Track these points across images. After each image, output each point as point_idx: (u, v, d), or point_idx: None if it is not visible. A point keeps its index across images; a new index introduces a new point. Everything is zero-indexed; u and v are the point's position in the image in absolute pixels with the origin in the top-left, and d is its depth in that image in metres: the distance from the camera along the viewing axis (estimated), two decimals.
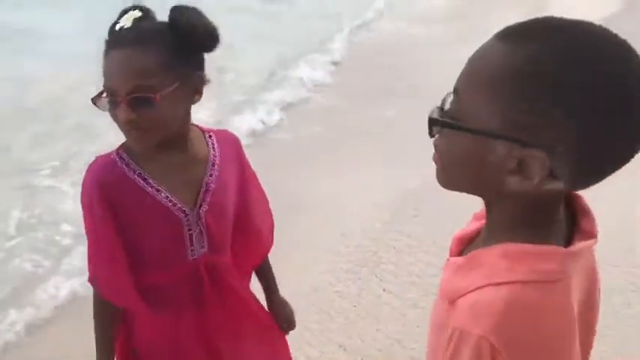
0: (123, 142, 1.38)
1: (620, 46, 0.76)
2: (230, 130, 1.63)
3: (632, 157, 0.78)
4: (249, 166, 1.57)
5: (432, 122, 0.83)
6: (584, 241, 0.83)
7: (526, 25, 0.78)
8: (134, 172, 1.37)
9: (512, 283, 0.79)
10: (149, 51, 1.26)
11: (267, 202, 1.64)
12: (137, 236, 1.39)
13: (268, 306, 1.68)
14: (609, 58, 0.74)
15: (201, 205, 1.42)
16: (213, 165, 1.44)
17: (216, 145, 1.46)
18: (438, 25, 7.06)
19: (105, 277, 1.43)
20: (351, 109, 5.04)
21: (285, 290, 2.99)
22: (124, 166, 1.37)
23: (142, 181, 1.37)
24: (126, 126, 1.28)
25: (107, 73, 1.28)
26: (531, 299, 0.79)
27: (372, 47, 6.53)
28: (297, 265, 3.19)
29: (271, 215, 1.65)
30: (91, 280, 1.46)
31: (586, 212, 0.87)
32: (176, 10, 1.30)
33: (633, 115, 0.74)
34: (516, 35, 0.78)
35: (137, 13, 1.29)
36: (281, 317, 1.70)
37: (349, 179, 3.95)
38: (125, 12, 1.31)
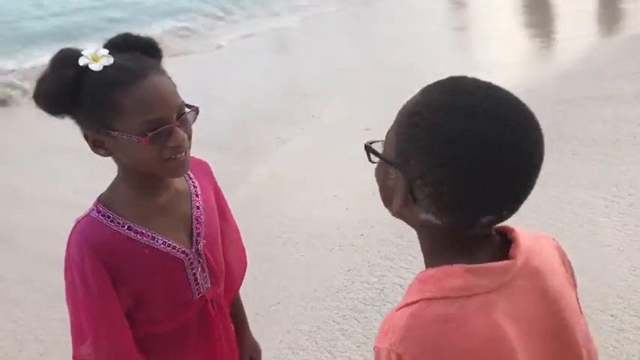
0: (102, 195, 1.31)
1: (506, 117, 0.86)
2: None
3: (504, 209, 0.90)
4: (222, 193, 1.52)
5: (365, 148, 0.96)
6: (495, 262, 0.91)
7: (441, 80, 0.91)
8: (123, 226, 1.28)
9: (418, 301, 0.89)
10: (161, 72, 1.25)
11: (238, 232, 1.57)
12: (141, 292, 1.31)
13: (238, 344, 1.58)
14: (485, 123, 0.83)
15: (198, 241, 1.36)
16: (196, 196, 1.39)
17: (192, 174, 1.41)
18: None
19: (107, 349, 1.29)
20: None
21: (287, 326, 2.95)
22: (110, 223, 1.28)
23: (133, 234, 1.29)
24: (179, 149, 1.23)
25: (151, 104, 1.19)
26: (436, 313, 0.87)
27: None
28: (300, 302, 3.13)
29: (243, 247, 1.58)
30: (83, 355, 1.31)
31: (514, 240, 0.96)
32: (121, 37, 1.27)
33: (487, 177, 0.84)
34: (428, 87, 0.91)
35: (105, 51, 1.23)
36: (247, 357, 1.62)
37: (355, 212, 3.89)
38: (77, 55, 1.21)
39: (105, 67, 1.20)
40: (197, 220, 1.37)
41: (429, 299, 0.88)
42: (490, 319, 0.88)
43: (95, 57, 1.20)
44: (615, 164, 4.10)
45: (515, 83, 5.83)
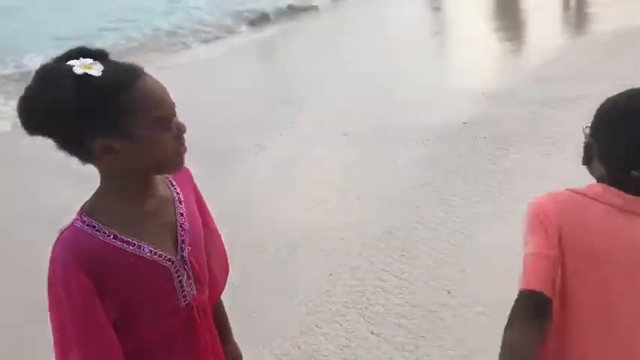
0: (85, 205, 1.29)
1: None
2: None
3: None
4: (203, 198, 1.52)
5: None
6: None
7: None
8: (108, 235, 1.27)
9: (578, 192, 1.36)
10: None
11: (220, 237, 1.56)
12: (127, 302, 1.30)
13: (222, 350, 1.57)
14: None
15: (183, 248, 1.36)
16: (180, 202, 1.39)
17: (174, 181, 1.41)
18: None
19: None
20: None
21: (270, 332, 2.96)
22: (95, 233, 1.26)
23: (120, 243, 1.28)
24: (182, 141, 1.27)
25: (159, 99, 1.23)
26: (583, 199, 1.35)
27: None
28: (282, 307, 3.14)
29: (225, 252, 1.58)
30: None
31: None
32: (81, 48, 1.24)
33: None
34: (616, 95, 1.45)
35: (89, 59, 1.21)
36: None
37: (335, 216, 3.92)
38: (67, 70, 1.19)
39: (103, 72, 1.19)
40: (181, 227, 1.37)
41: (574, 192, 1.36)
42: (620, 220, 1.28)
43: (87, 65, 1.19)
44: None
45: (489, 86, 5.97)
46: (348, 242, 3.64)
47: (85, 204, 1.31)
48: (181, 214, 1.38)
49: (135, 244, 1.29)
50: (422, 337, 2.80)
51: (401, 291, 3.14)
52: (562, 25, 8.63)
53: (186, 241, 1.37)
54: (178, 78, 7.53)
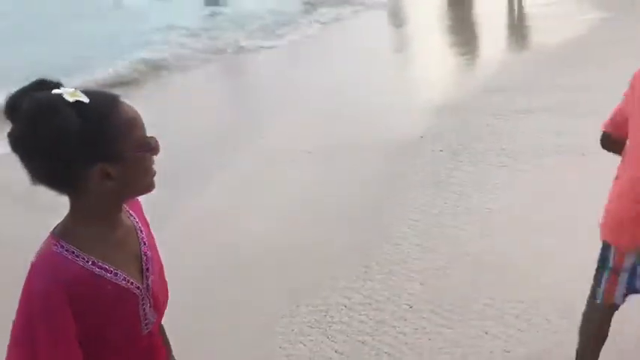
0: (58, 231, 1.27)
1: None
2: None
3: None
4: (148, 225, 1.52)
5: None
6: None
7: None
8: (87, 261, 1.25)
9: None
10: None
11: (162, 265, 1.54)
12: (99, 328, 1.28)
13: None
14: None
15: (147, 277, 1.37)
16: (140, 231, 1.40)
17: (131, 210, 1.41)
18: None
19: None
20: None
21: (234, 354, 2.92)
22: (75, 258, 1.25)
23: (98, 269, 1.27)
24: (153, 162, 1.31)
25: (138, 121, 1.26)
26: None
27: None
28: (245, 330, 3.10)
29: (165, 280, 1.55)
30: None
31: None
32: (43, 80, 1.24)
33: None
34: None
35: (70, 88, 1.22)
36: None
37: (297, 234, 3.91)
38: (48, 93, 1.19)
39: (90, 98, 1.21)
40: (145, 255, 1.38)
41: None
42: None
43: (73, 93, 1.20)
44: (540, 174, 4.29)
45: (444, 100, 6.08)
46: (311, 260, 3.62)
47: (56, 229, 1.28)
48: (144, 243, 1.39)
49: (112, 271, 1.29)
50: (385, 352, 2.81)
51: (364, 308, 3.14)
52: (511, 39, 8.86)
53: (150, 269, 1.38)
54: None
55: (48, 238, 1.27)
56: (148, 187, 1.31)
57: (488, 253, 3.45)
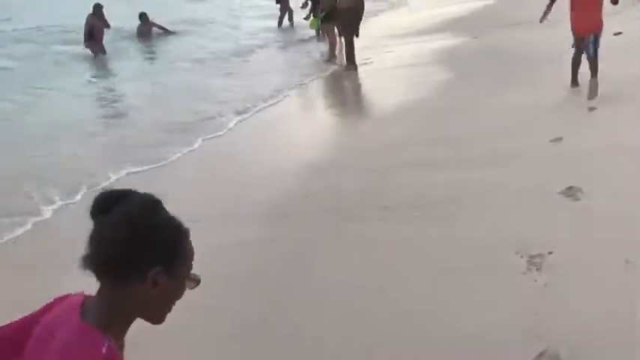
0: (99, 323, 1.30)
1: None
2: None
3: None
4: None
5: None
6: None
7: None
8: None
9: None
10: None
11: None
12: None
13: None
14: None
15: None
16: None
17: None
18: None
19: None
20: None
21: None
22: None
23: None
24: None
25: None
26: None
27: None
28: None
29: None
30: None
31: None
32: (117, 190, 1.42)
33: None
34: None
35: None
36: None
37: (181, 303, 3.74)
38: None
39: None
40: None
41: None
42: None
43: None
44: (420, 226, 4.46)
45: (330, 159, 6.21)
46: (201, 335, 3.47)
47: (92, 318, 1.31)
48: None
49: None
50: None
51: None
52: (384, 98, 9.26)
53: None
54: None
55: (88, 328, 1.29)
56: (161, 318, 1.42)
57: None
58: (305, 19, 14.01)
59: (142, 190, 1.37)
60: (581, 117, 6.26)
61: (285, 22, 16.08)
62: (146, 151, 6.92)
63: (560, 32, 9.84)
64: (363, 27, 11.01)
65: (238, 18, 17.81)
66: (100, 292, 1.34)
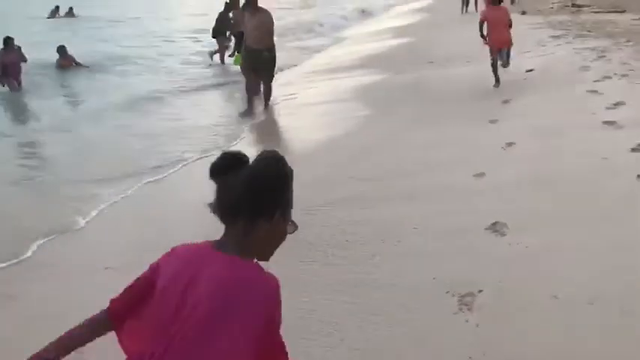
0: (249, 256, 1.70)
1: None
2: None
3: None
4: None
5: None
6: None
7: None
8: None
9: None
10: None
11: None
12: None
13: None
14: None
15: None
16: None
17: None
18: None
19: None
20: None
21: None
22: None
23: None
24: None
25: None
26: None
27: None
28: None
29: None
30: None
31: None
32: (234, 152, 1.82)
33: None
34: None
35: None
36: None
37: None
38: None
39: None
40: None
41: None
42: None
43: None
44: (347, 265, 4.36)
45: None
46: None
47: (246, 253, 1.69)
48: None
49: None
50: None
51: None
52: (307, 135, 9.21)
53: None
54: None
55: (256, 266, 1.70)
56: (271, 255, 1.76)
57: None
58: (230, 56, 13.83)
59: None
60: (501, 151, 6.42)
61: (216, 58, 15.26)
62: None
63: (478, 69, 10.30)
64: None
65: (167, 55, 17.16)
66: (227, 234, 1.68)
